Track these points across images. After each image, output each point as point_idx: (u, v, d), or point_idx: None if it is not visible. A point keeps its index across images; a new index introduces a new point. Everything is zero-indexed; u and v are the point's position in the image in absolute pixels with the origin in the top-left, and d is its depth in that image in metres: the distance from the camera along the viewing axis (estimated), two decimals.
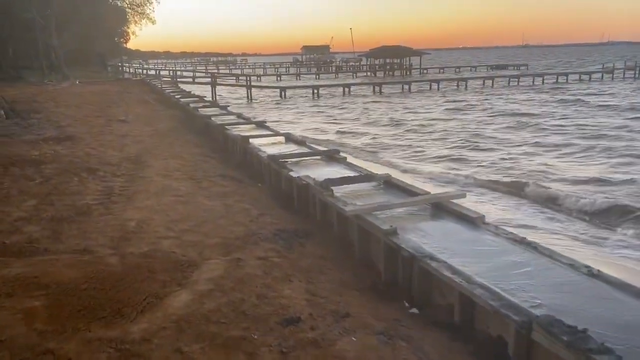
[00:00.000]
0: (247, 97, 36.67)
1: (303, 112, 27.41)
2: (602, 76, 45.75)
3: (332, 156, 8.90)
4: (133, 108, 19.22)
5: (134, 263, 4.80)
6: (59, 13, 36.86)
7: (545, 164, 12.20)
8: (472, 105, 27.08)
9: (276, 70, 74.73)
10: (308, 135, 18.26)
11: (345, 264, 5.40)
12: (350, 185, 6.79)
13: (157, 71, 54.62)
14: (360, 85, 42.94)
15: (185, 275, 4.56)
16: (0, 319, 3.64)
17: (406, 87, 41.03)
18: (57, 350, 3.29)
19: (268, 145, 10.42)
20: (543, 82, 42.97)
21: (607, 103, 25.53)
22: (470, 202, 6.84)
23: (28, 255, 4.98)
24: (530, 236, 5.23)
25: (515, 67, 68.38)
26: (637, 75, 46.24)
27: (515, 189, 9.96)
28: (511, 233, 5.03)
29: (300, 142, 10.56)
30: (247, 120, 14.25)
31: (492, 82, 43.11)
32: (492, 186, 10.33)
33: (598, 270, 4.16)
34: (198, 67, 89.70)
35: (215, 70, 74.07)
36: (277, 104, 33.33)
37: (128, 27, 63.26)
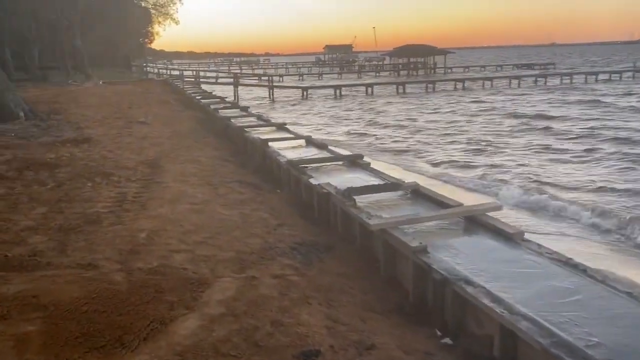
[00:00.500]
0: (269, 97, 36.52)
1: (324, 113, 27.01)
2: (634, 75, 44.20)
3: (354, 161, 8.46)
4: (153, 109, 19.07)
5: (141, 281, 4.45)
6: (84, 14, 37.25)
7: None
8: (497, 107, 26.27)
9: (298, 70, 74.50)
10: (328, 138, 17.90)
11: (368, 282, 4.96)
12: (374, 195, 6.33)
13: (181, 72, 54.92)
14: (384, 85, 42.34)
15: (195, 296, 4.18)
16: None
17: (430, 86, 40.27)
18: None
19: (288, 149, 10.04)
20: (571, 82, 41.71)
21: None
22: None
23: (30, 269, 4.67)
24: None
25: (542, 67, 66.77)
26: None
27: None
28: (555, 252, 4.51)
29: (321, 145, 10.14)
30: (267, 122, 13.91)
31: (519, 81, 42.03)
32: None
33: None
34: (221, 68, 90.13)
35: (238, 71, 74.29)
36: (299, 104, 33.02)
37: (152, 28, 63.89)
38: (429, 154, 14.57)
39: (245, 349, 3.45)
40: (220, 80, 47.14)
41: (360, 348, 3.57)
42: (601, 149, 14.01)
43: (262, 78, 50.16)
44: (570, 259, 4.35)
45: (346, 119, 24.12)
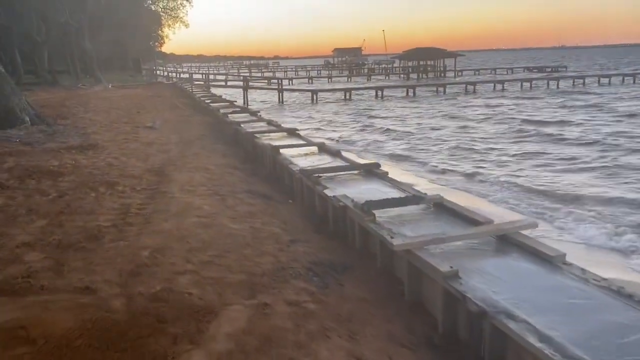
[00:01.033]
0: (279, 100, 36.30)
1: (335, 116, 26.58)
2: None
3: (371, 170, 7.99)
4: (162, 113, 18.76)
5: (142, 308, 4.02)
6: (94, 17, 37.17)
7: None
8: (516, 116, 25.68)
9: (308, 73, 74.21)
10: (340, 142, 17.47)
11: (392, 309, 4.50)
12: (394, 209, 5.87)
13: (191, 75, 54.78)
14: (394, 88, 41.87)
15: (201, 328, 3.75)
16: None
17: (440, 89, 39.73)
18: None
19: (300, 157, 9.60)
20: (584, 84, 40.97)
21: None
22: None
23: (22, 294, 4.26)
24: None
25: (554, 69, 65.89)
26: None
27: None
28: (603, 279, 4.02)
29: (335, 153, 9.69)
30: (278, 128, 13.48)
31: (530, 84, 41.38)
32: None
33: None
34: (231, 71, 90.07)
35: (248, 74, 74.15)
36: (309, 107, 32.67)
37: (162, 31, 63.94)
38: (454, 165, 13.51)
39: None
40: (229, 84, 46.89)
41: None
42: None
43: (272, 81, 49.91)
44: (622, 287, 3.86)
45: (354, 122, 23.67)
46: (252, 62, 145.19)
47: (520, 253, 4.62)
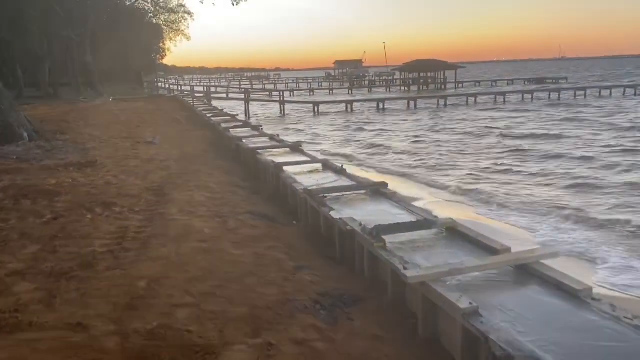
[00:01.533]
0: (280, 112, 36.26)
1: (336, 130, 26.36)
2: None
3: (378, 190, 7.71)
4: (162, 128, 18.55)
5: (137, 348, 3.73)
6: (95, 31, 37.19)
7: None
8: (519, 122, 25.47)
9: (309, 85, 74.27)
10: (344, 156, 17.26)
11: (406, 347, 4.18)
12: (405, 234, 5.58)
13: (192, 87, 54.75)
14: (395, 100, 41.78)
15: None
16: None
17: (441, 101, 39.59)
18: None
19: (304, 174, 9.32)
20: (585, 96, 40.81)
21: None
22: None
23: (8, 331, 3.97)
24: None
25: (554, 80, 65.85)
26: None
27: None
28: (636, 317, 3.72)
29: (340, 170, 9.42)
30: (281, 143, 13.22)
31: (532, 96, 41.27)
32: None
33: None
34: (232, 83, 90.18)
35: (249, 86, 74.21)
36: (311, 119, 32.54)
37: (164, 44, 64.12)
38: (469, 184, 12.98)
39: None
40: (231, 96, 46.82)
41: None
42: None
43: (273, 93, 49.88)
44: None
45: (360, 135, 23.44)
46: (253, 74, 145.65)
47: (542, 286, 4.32)
